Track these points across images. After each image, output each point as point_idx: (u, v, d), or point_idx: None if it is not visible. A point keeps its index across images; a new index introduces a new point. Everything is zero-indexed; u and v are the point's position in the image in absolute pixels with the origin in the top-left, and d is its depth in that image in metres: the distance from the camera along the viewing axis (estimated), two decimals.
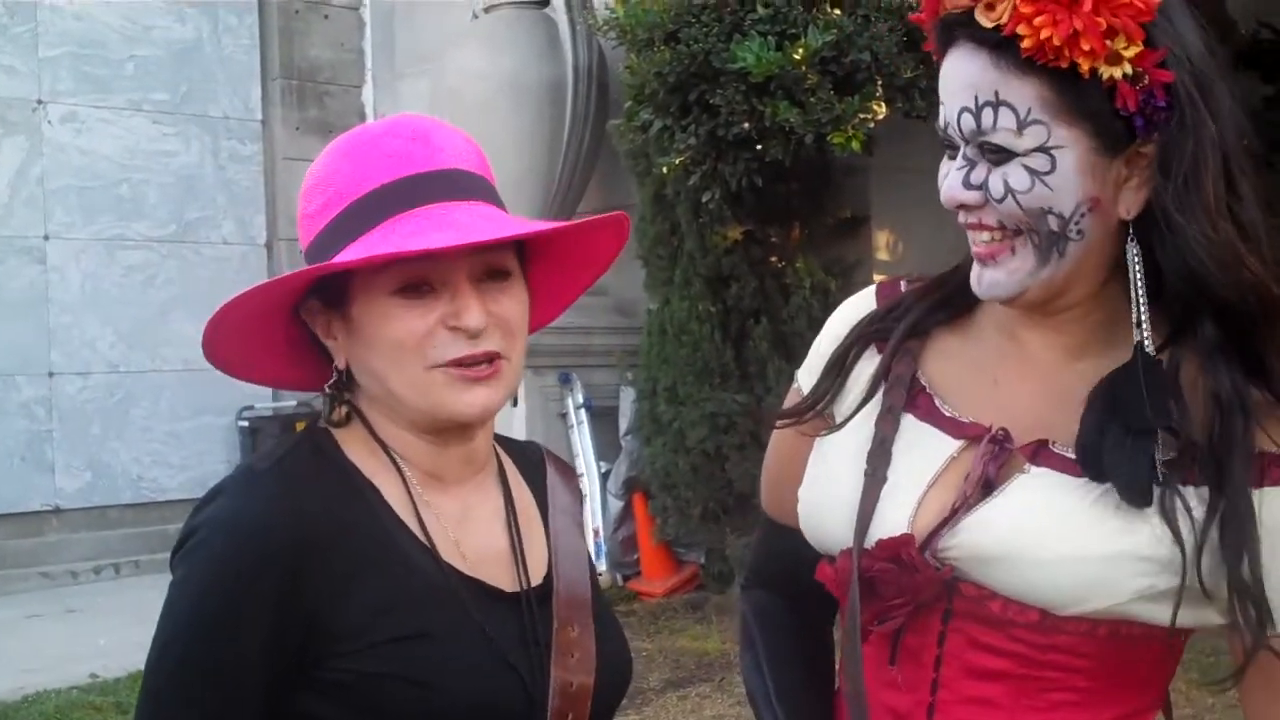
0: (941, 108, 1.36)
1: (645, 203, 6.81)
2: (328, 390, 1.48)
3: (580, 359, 7.52)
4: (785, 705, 1.62)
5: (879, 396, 1.47)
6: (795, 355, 6.36)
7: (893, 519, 1.39)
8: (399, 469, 1.46)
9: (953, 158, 1.36)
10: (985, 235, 1.35)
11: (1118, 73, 1.26)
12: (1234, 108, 1.33)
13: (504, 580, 1.49)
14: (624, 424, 7.49)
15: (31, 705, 5.88)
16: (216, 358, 1.46)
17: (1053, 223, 1.31)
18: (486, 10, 7.92)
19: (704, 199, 6.14)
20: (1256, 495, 1.30)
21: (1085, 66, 1.26)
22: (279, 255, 9.68)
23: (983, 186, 1.32)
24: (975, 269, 1.37)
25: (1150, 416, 1.31)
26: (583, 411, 7.52)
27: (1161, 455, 1.30)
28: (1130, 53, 1.26)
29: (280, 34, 9.80)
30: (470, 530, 1.50)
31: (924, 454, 1.42)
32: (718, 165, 5.93)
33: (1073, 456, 1.35)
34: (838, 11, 5.63)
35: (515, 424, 7.13)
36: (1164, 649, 1.38)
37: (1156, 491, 1.30)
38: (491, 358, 1.41)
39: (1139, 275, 1.33)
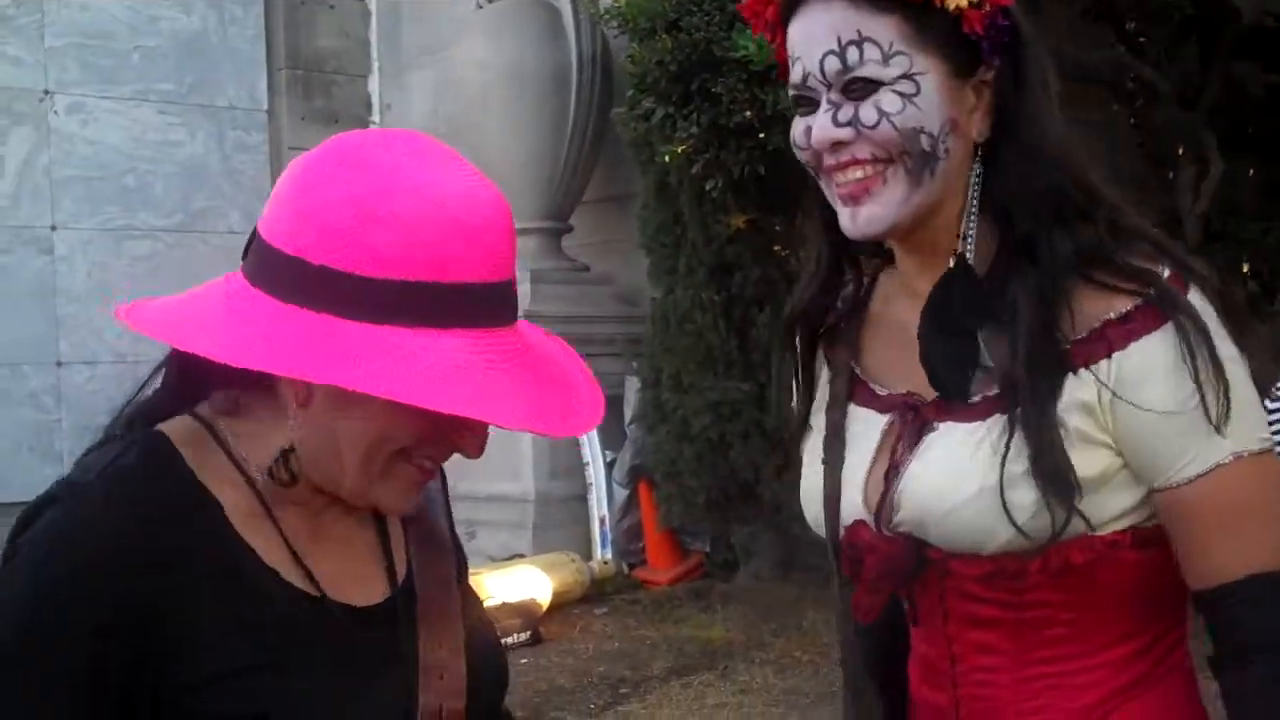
0: (796, 65, 1.45)
1: (648, 191, 6.83)
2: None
3: (585, 348, 7.38)
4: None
5: (824, 387, 1.61)
6: None
7: (851, 503, 1.51)
8: (254, 487, 1.32)
9: (809, 113, 1.45)
10: (857, 172, 1.42)
11: (964, 1, 1.39)
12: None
13: (363, 596, 1.37)
14: (629, 412, 7.51)
15: None
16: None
17: (924, 142, 1.41)
18: (490, 0, 7.93)
19: (707, 187, 6.15)
20: (1110, 362, 1.38)
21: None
22: None
23: (852, 121, 1.41)
24: (846, 212, 1.45)
25: (967, 317, 1.44)
26: None
27: (985, 356, 1.43)
28: None
29: (286, 24, 9.79)
30: (325, 541, 1.36)
31: (865, 436, 1.53)
32: (720, 154, 5.94)
33: (971, 405, 1.44)
34: None
35: None
36: (1136, 571, 1.42)
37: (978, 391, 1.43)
38: None
39: (975, 192, 1.46)
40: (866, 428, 1.53)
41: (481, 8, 7.93)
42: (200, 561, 1.25)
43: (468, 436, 1.29)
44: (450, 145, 1.31)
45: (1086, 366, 1.38)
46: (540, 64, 7.69)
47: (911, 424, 1.47)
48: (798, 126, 1.47)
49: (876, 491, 1.49)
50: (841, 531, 1.52)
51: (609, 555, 7.42)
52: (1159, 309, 1.37)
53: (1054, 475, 1.36)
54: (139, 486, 1.26)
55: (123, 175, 9.17)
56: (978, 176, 1.46)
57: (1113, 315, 1.38)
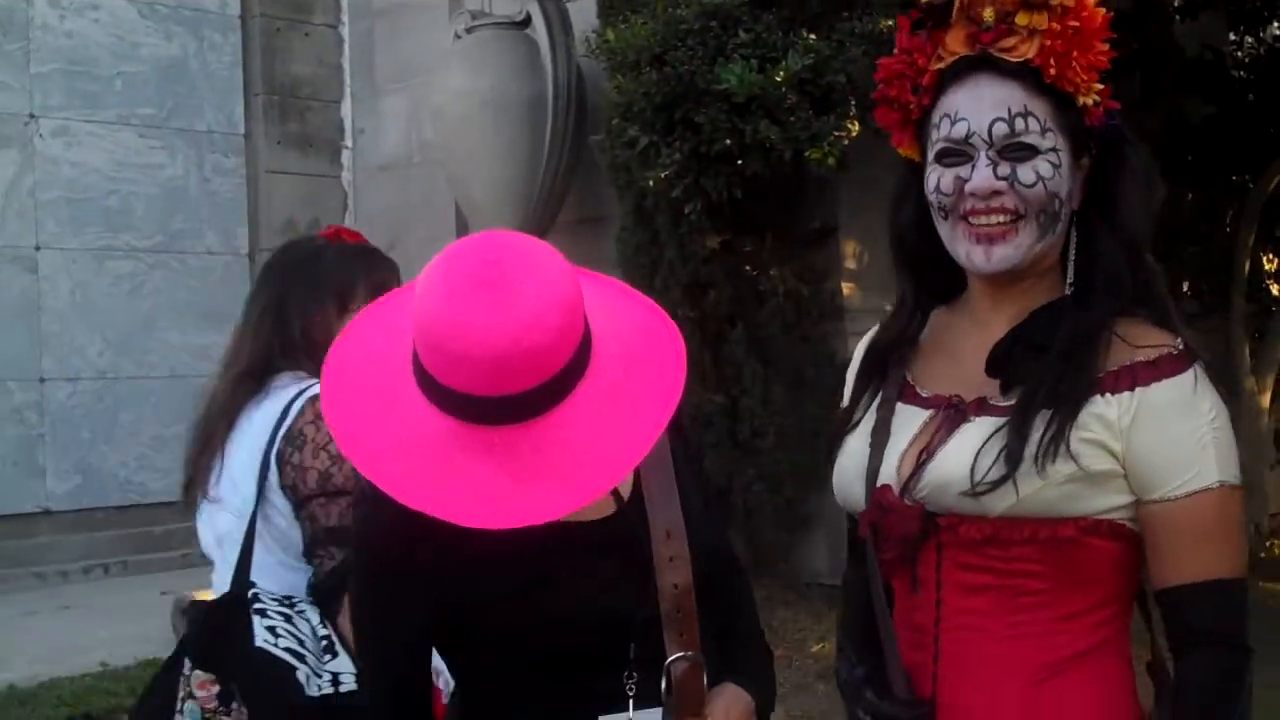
0: (960, 123, 1.76)
1: (626, 214, 7.06)
2: None
3: None
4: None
5: (880, 392, 1.92)
6: (770, 358, 6.68)
7: (885, 475, 1.83)
8: None
9: (957, 164, 1.76)
10: (996, 219, 1.75)
11: (1090, 100, 1.76)
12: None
13: (595, 511, 1.76)
14: None
15: (48, 691, 6.12)
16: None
17: (1056, 205, 1.76)
18: (469, 30, 8.20)
19: (686, 210, 6.42)
20: (1133, 395, 1.70)
21: (1081, 92, 1.76)
22: (260, 265, 9.83)
23: (1009, 178, 1.75)
24: (979, 250, 1.77)
25: (1048, 336, 1.75)
26: None
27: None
28: (1098, 86, 1.76)
29: (263, 51, 10.06)
30: None
31: (907, 426, 1.85)
32: (700, 179, 6.21)
33: (1004, 404, 1.75)
34: (815, 36, 5.97)
35: None
36: (1106, 557, 1.75)
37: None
38: None
39: (1073, 250, 1.81)
40: (909, 420, 1.84)
41: (460, 38, 8.20)
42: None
43: None
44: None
45: (1113, 393, 1.70)
46: (518, 93, 7.93)
47: (951, 417, 1.79)
48: (944, 176, 1.78)
49: (909, 468, 1.79)
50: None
51: None
52: (1184, 359, 1.71)
53: (1010, 450, 1.69)
54: None
55: (105, 197, 9.41)
56: (1074, 239, 1.81)
57: (1141, 358, 1.71)
